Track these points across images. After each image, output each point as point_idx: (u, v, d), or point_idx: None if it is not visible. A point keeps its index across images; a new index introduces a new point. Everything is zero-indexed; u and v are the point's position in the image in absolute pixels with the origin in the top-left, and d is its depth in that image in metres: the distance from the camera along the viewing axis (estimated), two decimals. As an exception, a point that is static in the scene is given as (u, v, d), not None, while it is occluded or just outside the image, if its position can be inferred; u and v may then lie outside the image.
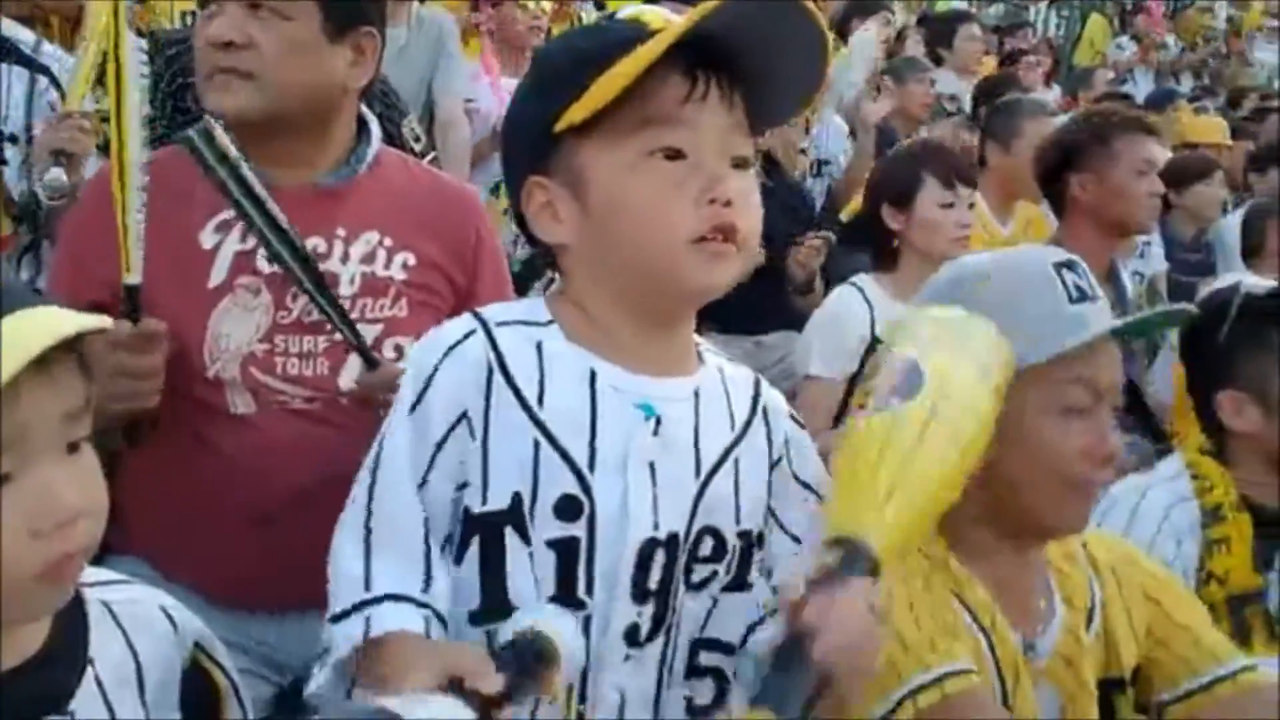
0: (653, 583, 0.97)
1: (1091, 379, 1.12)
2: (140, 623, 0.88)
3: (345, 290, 1.35)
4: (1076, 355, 1.11)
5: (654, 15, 0.98)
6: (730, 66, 0.96)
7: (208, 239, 1.33)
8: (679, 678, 1.00)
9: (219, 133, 1.21)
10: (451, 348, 0.98)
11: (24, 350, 0.69)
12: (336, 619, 0.94)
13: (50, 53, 2.20)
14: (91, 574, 0.87)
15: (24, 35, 2.20)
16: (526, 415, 0.96)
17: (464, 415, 0.96)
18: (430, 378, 0.97)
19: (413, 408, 0.97)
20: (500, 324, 1.00)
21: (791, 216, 2.73)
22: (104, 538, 1.37)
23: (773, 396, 1.08)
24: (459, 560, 0.97)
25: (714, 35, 0.93)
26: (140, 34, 1.22)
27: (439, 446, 0.96)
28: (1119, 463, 1.20)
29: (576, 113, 0.95)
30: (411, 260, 1.39)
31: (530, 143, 0.99)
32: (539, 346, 0.99)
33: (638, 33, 0.95)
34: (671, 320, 1.02)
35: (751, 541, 1.02)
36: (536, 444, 0.96)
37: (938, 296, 1.18)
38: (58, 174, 1.89)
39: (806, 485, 1.06)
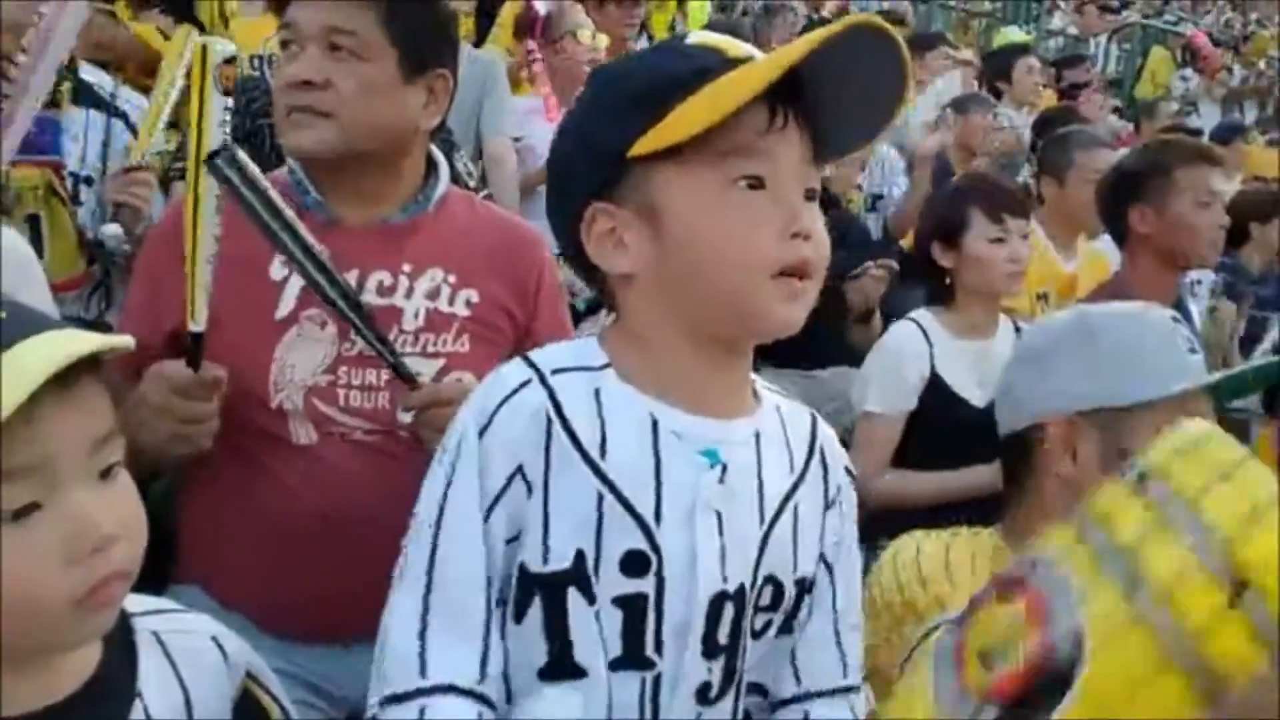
0: (723, 637, 0.93)
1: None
2: (190, 653, 0.86)
3: (409, 325, 1.38)
4: (1179, 401, 1.16)
5: (729, 43, 0.96)
6: (804, 97, 0.93)
7: (277, 271, 1.36)
8: None
9: (243, 158, 1.23)
10: (506, 398, 0.94)
11: (38, 372, 0.68)
12: (389, 702, 0.90)
13: (127, 98, 2.27)
14: (142, 603, 0.86)
15: (103, 79, 2.27)
16: (589, 468, 0.92)
17: (520, 469, 0.92)
18: (489, 423, 0.93)
19: (476, 446, 0.93)
20: (556, 371, 0.96)
21: (848, 251, 2.72)
22: (165, 568, 1.41)
23: (828, 436, 1.05)
24: (519, 618, 0.93)
25: (796, 66, 0.90)
26: (226, 93, 1.26)
27: (496, 500, 0.92)
28: None
29: (658, 139, 0.91)
30: (475, 297, 1.40)
31: (594, 167, 0.95)
32: (596, 393, 0.95)
33: (718, 60, 0.92)
34: (736, 356, 0.99)
35: (805, 588, 1.00)
36: (600, 497, 0.92)
37: (1059, 343, 1.24)
38: (114, 229, 1.99)
39: (842, 519, 1.04)
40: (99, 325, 1.97)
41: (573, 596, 0.91)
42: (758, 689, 1.01)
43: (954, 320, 2.33)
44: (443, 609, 0.91)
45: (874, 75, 0.93)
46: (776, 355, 2.54)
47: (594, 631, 0.91)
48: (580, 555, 0.91)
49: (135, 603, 0.84)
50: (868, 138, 1.01)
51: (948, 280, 2.35)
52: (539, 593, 0.92)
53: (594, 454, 0.93)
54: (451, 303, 1.40)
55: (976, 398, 2.18)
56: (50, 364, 0.68)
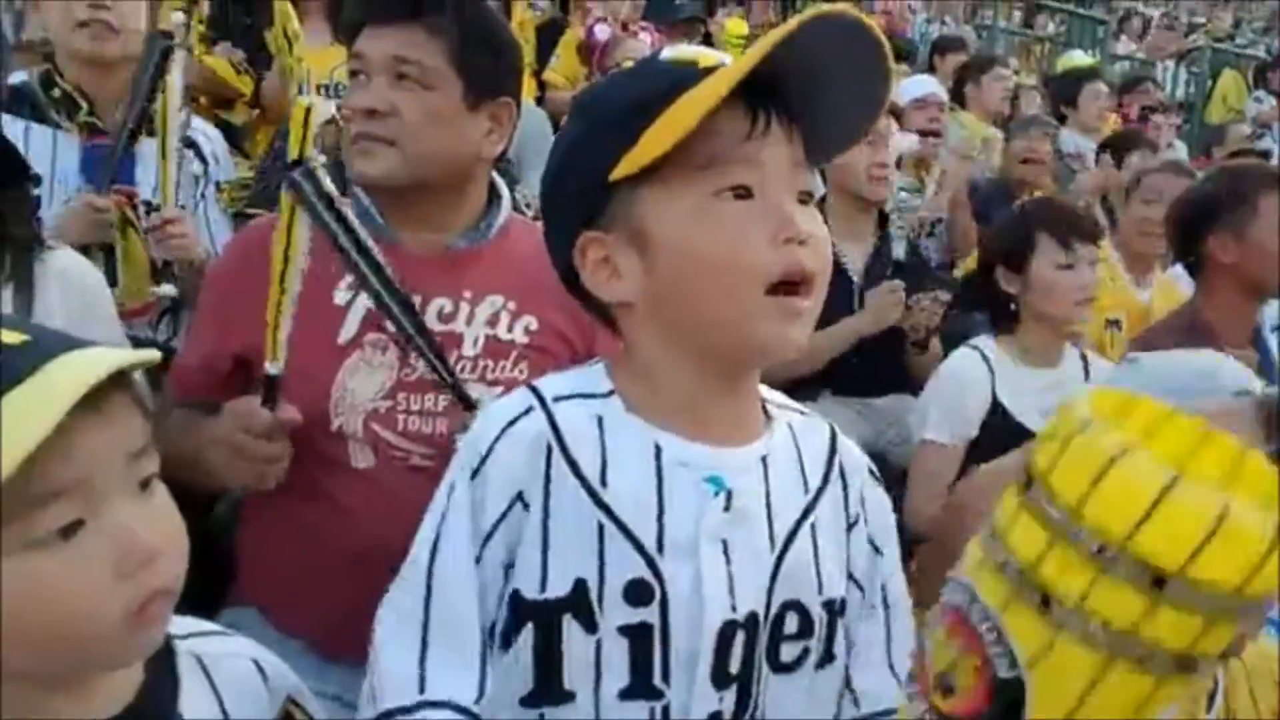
0: (734, 666, 0.91)
1: None
2: (231, 676, 0.86)
3: (469, 351, 1.39)
4: None
5: (703, 53, 0.94)
6: (786, 98, 0.90)
7: (341, 296, 1.38)
8: None
9: (322, 174, 1.25)
10: (507, 427, 0.93)
11: (69, 391, 0.68)
12: (389, 716, 0.89)
13: (198, 127, 2.33)
14: (185, 624, 0.86)
15: (175, 109, 2.33)
16: (589, 496, 0.91)
17: (519, 496, 0.91)
18: (485, 457, 0.92)
19: (470, 481, 0.93)
20: (558, 399, 0.94)
21: (906, 278, 2.69)
22: (223, 591, 1.43)
23: (850, 451, 1.02)
24: (506, 645, 0.92)
25: (771, 68, 0.87)
26: (324, 152, 1.29)
27: (492, 531, 0.91)
28: None
29: (634, 161, 0.88)
30: (534, 325, 1.41)
31: (580, 195, 0.93)
32: (600, 421, 0.93)
33: (690, 73, 0.89)
34: (740, 381, 0.96)
35: (835, 610, 0.97)
36: (601, 527, 0.90)
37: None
38: (169, 289, 2.05)
39: (872, 542, 1.00)
40: (167, 349, 2.01)
41: (569, 624, 0.90)
42: None
43: (1018, 347, 2.28)
44: (441, 632, 0.91)
45: (856, 69, 0.89)
46: (834, 383, 2.51)
47: (589, 658, 0.89)
48: (581, 584, 0.90)
49: (178, 624, 0.84)
50: (857, 135, 0.97)
51: (1012, 306, 2.29)
52: (531, 620, 0.91)
53: (594, 482, 0.91)
54: (511, 330, 1.41)
55: (1040, 427, 2.13)
56: (81, 383, 0.68)
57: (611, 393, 0.95)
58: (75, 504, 0.70)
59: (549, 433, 0.92)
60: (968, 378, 2.26)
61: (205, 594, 1.12)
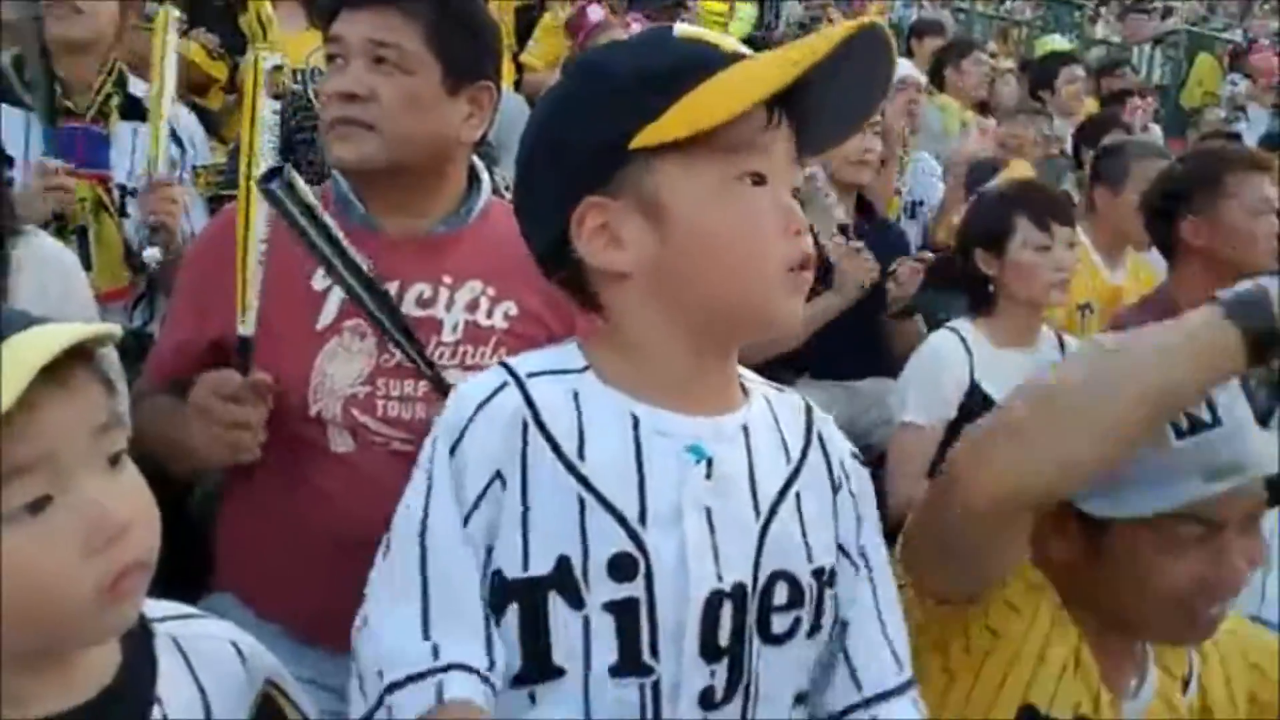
0: (723, 639, 0.90)
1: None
2: (209, 659, 0.85)
3: (448, 337, 1.38)
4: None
5: (719, 37, 0.95)
6: (792, 94, 0.91)
7: (319, 281, 1.37)
8: None
9: (296, 180, 1.25)
10: (482, 404, 0.92)
11: (31, 364, 0.67)
12: (401, 685, 0.87)
13: (174, 112, 2.31)
14: (163, 608, 0.85)
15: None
16: (568, 471, 0.90)
17: (498, 475, 0.90)
18: (461, 437, 0.91)
19: (450, 458, 0.92)
20: (532, 374, 0.94)
21: (887, 258, 2.70)
22: (203, 577, 1.42)
23: (826, 423, 1.02)
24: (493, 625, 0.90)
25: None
26: (276, 96, 1.27)
27: (474, 508, 0.90)
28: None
29: (665, 131, 0.88)
30: (514, 310, 1.41)
31: (584, 159, 0.91)
32: (575, 395, 0.93)
33: (716, 55, 0.90)
34: (727, 355, 0.97)
35: (824, 580, 0.96)
36: (581, 501, 0.89)
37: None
38: (154, 253, 2.02)
39: (857, 514, 1.00)
40: (142, 335, 2.00)
41: (554, 601, 0.89)
42: (803, 697, 0.97)
43: (995, 329, 2.30)
44: (445, 611, 0.89)
45: (860, 77, 0.91)
46: (813, 367, 2.52)
47: (576, 635, 0.89)
48: (564, 561, 0.89)
49: (155, 608, 0.84)
50: (843, 138, 1.00)
51: (990, 288, 2.31)
52: (516, 599, 0.90)
53: (572, 457, 0.90)
54: (490, 315, 1.41)
55: (1018, 409, 2.15)
56: (43, 354, 0.68)
57: (586, 368, 0.95)
58: (42, 479, 0.70)
59: (524, 408, 0.91)
60: (946, 360, 2.28)
61: (184, 580, 1.12)
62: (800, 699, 0.97)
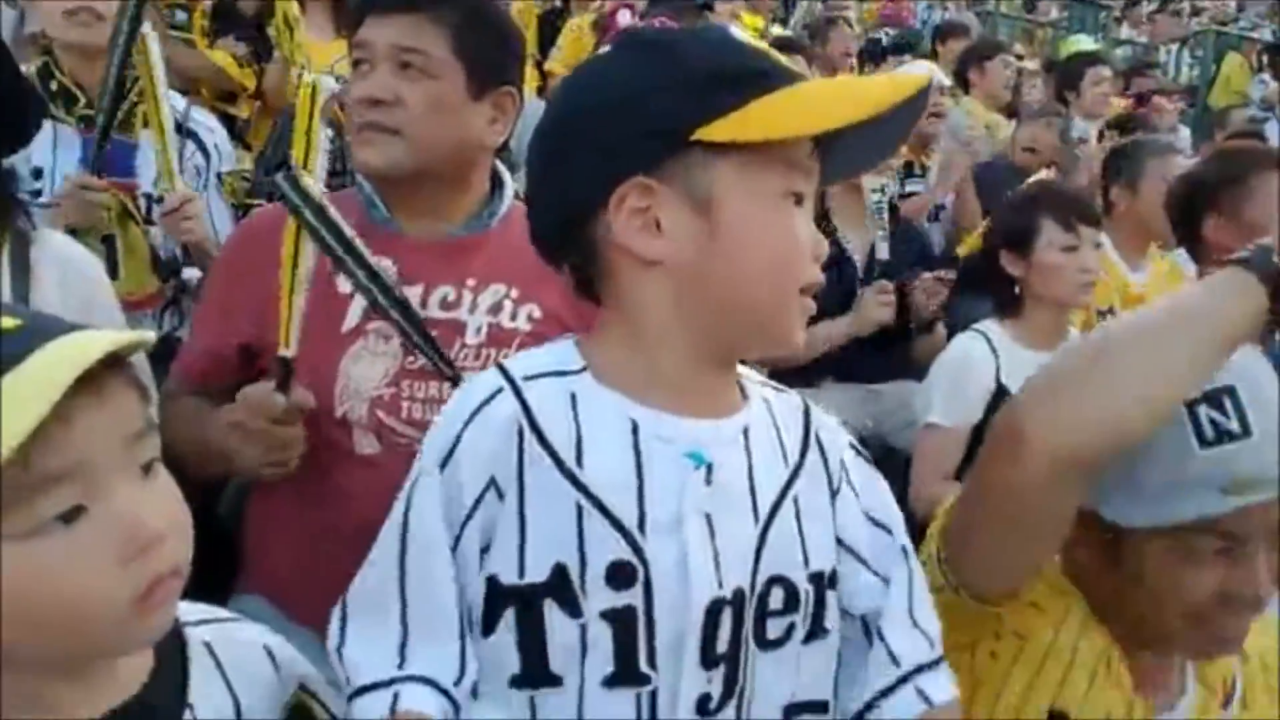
0: (721, 646, 0.89)
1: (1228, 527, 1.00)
2: (242, 663, 0.85)
3: (472, 339, 1.39)
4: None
5: (773, 51, 0.95)
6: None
7: (345, 284, 1.37)
8: None
9: (305, 178, 1.25)
10: (476, 410, 0.90)
11: (65, 374, 0.66)
12: (361, 692, 0.88)
13: (198, 119, 2.33)
14: (194, 611, 0.85)
15: (176, 101, 2.34)
16: (565, 478, 0.88)
17: (492, 482, 0.89)
18: (455, 443, 0.90)
19: (439, 472, 0.91)
20: (528, 378, 0.92)
21: (910, 261, 2.69)
22: (230, 579, 1.43)
23: (826, 422, 1.01)
24: (489, 630, 0.89)
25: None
26: (332, 126, 1.29)
27: (467, 519, 0.89)
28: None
29: (737, 130, 0.86)
30: (536, 312, 1.42)
31: (640, 140, 0.88)
32: (573, 398, 0.91)
33: (779, 68, 0.91)
34: (731, 365, 0.97)
35: (824, 583, 0.95)
36: (579, 508, 0.87)
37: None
38: (193, 274, 2.06)
39: (870, 517, 0.99)
40: (170, 340, 2.02)
41: (550, 609, 0.88)
42: (814, 707, 0.95)
43: (1022, 331, 2.29)
44: (419, 617, 0.90)
45: (889, 121, 0.90)
46: (838, 370, 2.51)
47: (573, 644, 0.88)
48: (560, 569, 0.87)
49: (187, 611, 0.83)
50: (857, 174, 1.02)
51: (1016, 290, 2.30)
52: (512, 605, 0.88)
53: (570, 463, 0.89)
54: (514, 318, 1.41)
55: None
56: (77, 365, 0.67)
57: (584, 369, 0.93)
58: (75, 489, 0.69)
59: (520, 414, 0.90)
60: (972, 361, 2.27)
61: (212, 583, 1.12)
62: (793, 711, 0.95)
